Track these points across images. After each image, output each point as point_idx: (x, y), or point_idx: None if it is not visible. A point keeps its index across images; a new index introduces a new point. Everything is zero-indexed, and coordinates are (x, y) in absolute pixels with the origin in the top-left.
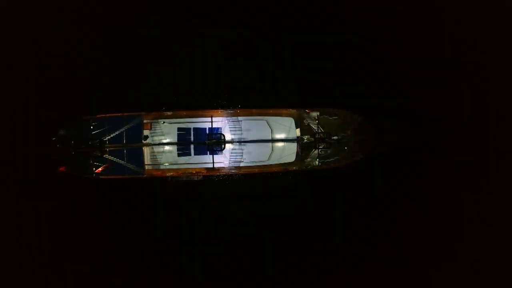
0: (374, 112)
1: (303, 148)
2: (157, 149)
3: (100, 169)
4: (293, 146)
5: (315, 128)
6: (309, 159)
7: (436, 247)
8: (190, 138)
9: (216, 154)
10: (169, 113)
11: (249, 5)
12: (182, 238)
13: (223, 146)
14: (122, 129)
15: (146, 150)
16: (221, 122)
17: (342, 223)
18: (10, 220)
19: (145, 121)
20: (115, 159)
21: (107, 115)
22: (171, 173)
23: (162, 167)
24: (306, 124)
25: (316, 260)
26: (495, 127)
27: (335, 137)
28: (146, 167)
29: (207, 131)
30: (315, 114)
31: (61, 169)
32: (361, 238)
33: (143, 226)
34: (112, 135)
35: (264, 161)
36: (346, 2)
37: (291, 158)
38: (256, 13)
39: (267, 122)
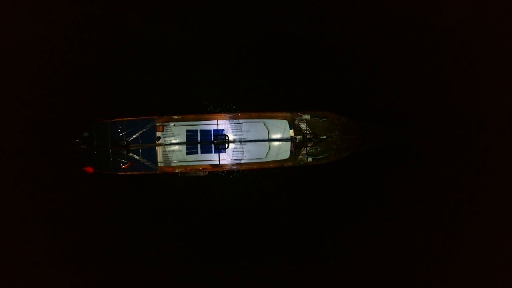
0: (361, 114)
1: (296, 147)
2: (168, 148)
3: (126, 165)
4: (288, 145)
5: (304, 129)
6: (301, 156)
7: (430, 245)
8: (197, 139)
9: (221, 152)
10: (178, 117)
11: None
12: (186, 232)
13: (227, 145)
14: (142, 131)
15: (159, 149)
16: (224, 124)
17: (335, 216)
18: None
19: (157, 124)
20: (137, 157)
21: (125, 118)
22: (181, 169)
23: (172, 164)
24: (298, 125)
25: (312, 253)
26: (477, 128)
27: (323, 137)
28: (159, 164)
29: (212, 132)
30: (306, 116)
31: (87, 169)
32: (352, 230)
33: (152, 220)
34: (134, 137)
35: (262, 158)
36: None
37: (286, 155)
38: (255, 27)
39: (265, 124)
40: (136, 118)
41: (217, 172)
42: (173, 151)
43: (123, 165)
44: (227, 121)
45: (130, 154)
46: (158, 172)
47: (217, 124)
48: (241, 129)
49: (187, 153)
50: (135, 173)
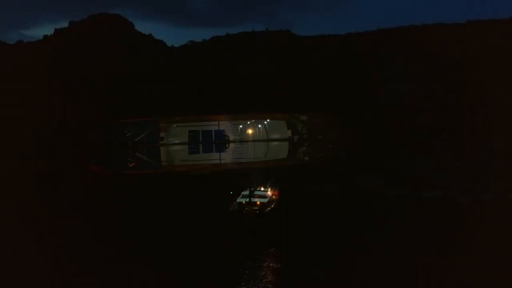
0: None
1: (294, 147)
2: (171, 148)
3: (131, 164)
4: (286, 145)
5: (300, 130)
6: (298, 155)
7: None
8: (199, 139)
9: (222, 152)
10: (180, 118)
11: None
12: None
13: (227, 145)
14: (146, 132)
15: (162, 149)
16: (225, 125)
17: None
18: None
19: (161, 125)
20: (143, 156)
21: (130, 120)
22: (183, 168)
23: (175, 163)
24: (296, 126)
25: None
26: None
27: (319, 137)
28: (163, 163)
29: (213, 133)
30: (303, 117)
31: (93, 168)
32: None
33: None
34: (140, 137)
35: (261, 158)
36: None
37: (284, 155)
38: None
39: (264, 125)
40: (141, 119)
41: (218, 171)
42: (176, 150)
43: (129, 163)
44: (227, 122)
45: (136, 154)
46: (161, 171)
47: (218, 125)
48: (241, 129)
49: (190, 153)
50: (140, 171)
